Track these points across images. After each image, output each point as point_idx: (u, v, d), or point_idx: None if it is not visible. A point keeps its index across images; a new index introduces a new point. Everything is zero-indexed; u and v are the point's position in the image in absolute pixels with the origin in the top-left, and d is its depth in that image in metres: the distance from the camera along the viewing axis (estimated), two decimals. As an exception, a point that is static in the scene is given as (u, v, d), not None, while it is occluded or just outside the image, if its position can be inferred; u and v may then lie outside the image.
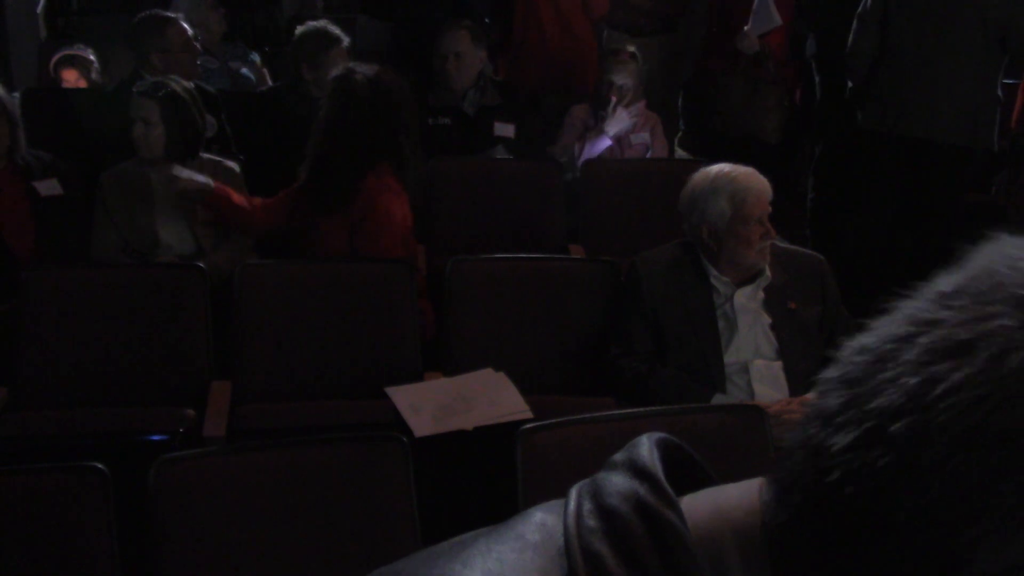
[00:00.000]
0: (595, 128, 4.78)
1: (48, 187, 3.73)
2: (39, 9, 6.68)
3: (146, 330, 3.25)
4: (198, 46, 4.68)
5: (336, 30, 4.64)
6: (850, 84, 4.62)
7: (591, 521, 0.59)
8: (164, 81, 3.81)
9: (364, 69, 3.69)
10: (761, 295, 3.09)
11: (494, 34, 5.35)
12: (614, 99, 4.73)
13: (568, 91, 5.14)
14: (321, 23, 4.70)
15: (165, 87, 3.75)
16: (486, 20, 5.51)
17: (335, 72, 3.76)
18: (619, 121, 4.75)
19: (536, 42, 5.25)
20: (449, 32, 4.71)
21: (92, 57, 5.45)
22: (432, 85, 4.76)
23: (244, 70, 5.63)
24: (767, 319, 3.06)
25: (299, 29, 4.70)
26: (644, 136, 4.82)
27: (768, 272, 3.10)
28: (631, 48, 4.94)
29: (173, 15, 4.69)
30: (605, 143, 4.73)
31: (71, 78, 5.36)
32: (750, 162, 3.18)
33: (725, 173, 3.09)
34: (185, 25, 4.62)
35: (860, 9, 4.52)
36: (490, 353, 3.26)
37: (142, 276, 3.40)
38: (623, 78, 4.76)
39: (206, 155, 3.92)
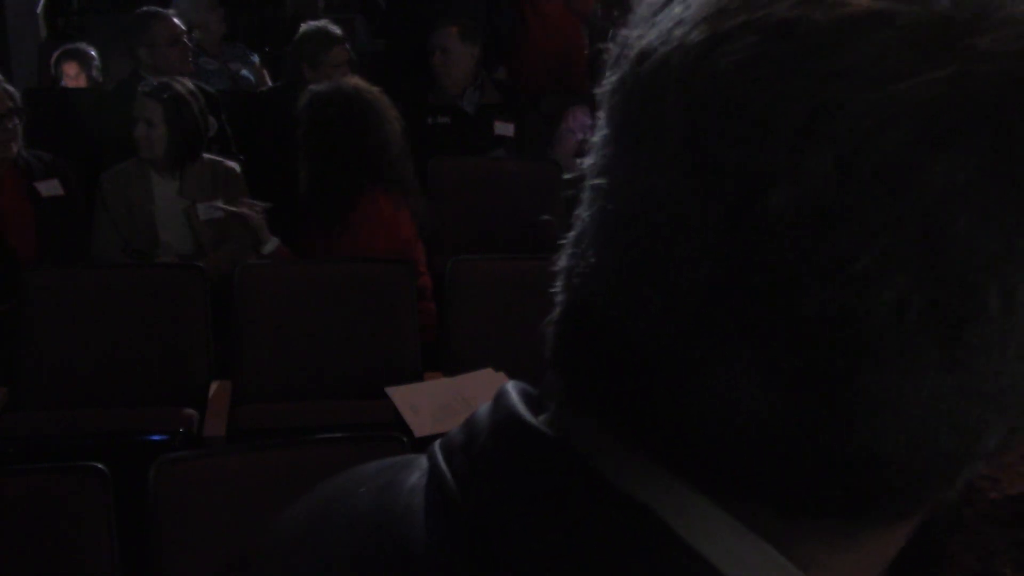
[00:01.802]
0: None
1: (49, 187, 3.73)
2: (39, 9, 6.68)
3: (146, 330, 3.25)
4: (188, 42, 4.65)
5: (337, 30, 4.64)
6: None
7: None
8: (169, 83, 3.81)
9: (330, 95, 3.57)
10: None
11: (500, 31, 5.36)
12: None
13: (565, 91, 5.15)
14: (322, 23, 4.70)
15: (170, 89, 3.74)
16: (481, 16, 5.52)
17: (310, 91, 3.65)
18: None
19: (533, 41, 5.26)
20: (439, 29, 4.72)
21: (93, 53, 5.49)
22: (432, 84, 4.76)
23: (244, 71, 5.64)
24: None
25: (301, 28, 4.70)
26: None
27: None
28: None
29: (162, 10, 4.65)
30: None
31: (72, 71, 5.39)
32: None
33: None
34: (176, 21, 4.58)
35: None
36: (490, 353, 3.26)
37: (142, 276, 3.40)
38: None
39: (206, 155, 3.92)
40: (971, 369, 0.41)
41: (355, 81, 3.70)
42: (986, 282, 0.39)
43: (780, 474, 0.43)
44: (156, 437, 2.92)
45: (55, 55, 5.52)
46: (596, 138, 0.46)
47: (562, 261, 0.48)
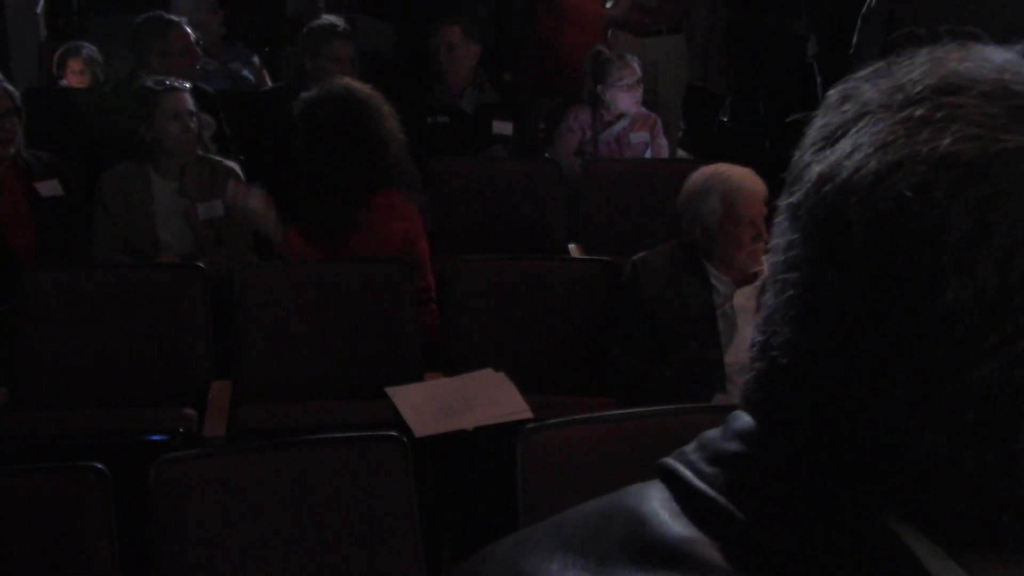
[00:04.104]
0: (603, 119, 4.79)
1: (49, 188, 3.73)
2: (39, 9, 6.68)
3: (146, 330, 3.25)
4: (199, 50, 4.67)
5: (345, 27, 4.65)
6: None
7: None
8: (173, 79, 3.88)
9: (321, 99, 3.53)
10: (762, 295, 3.09)
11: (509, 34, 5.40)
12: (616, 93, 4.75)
13: (565, 91, 5.16)
14: (334, 18, 4.74)
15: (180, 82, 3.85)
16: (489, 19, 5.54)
17: (302, 99, 3.62)
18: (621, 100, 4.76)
19: (545, 44, 5.30)
20: (441, 28, 4.73)
21: (96, 53, 5.51)
22: (430, 84, 4.77)
23: (244, 71, 5.64)
24: (768, 319, 3.06)
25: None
26: (644, 136, 4.82)
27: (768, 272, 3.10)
28: (633, 61, 4.92)
29: (176, 18, 4.67)
30: (621, 124, 4.76)
31: (76, 67, 5.42)
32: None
33: (719, 172, 3.10)
34: (188, 29, 4.60)
35: (864, 9, 4.51)
36: (490, 353, 3.26)
37: (142, 276, 3.40)
38: (626, 78, 4.76)
39: (206, 155, 3.92)
40: None
41: (346, 82, 3.67)
42: None
43: (964, 506, 0.54)
44: (156, 437, 2.92)
45: (58, 52, 5.54)
46: (779, 241, 0.59)
47: (756, 335, 0.60)
